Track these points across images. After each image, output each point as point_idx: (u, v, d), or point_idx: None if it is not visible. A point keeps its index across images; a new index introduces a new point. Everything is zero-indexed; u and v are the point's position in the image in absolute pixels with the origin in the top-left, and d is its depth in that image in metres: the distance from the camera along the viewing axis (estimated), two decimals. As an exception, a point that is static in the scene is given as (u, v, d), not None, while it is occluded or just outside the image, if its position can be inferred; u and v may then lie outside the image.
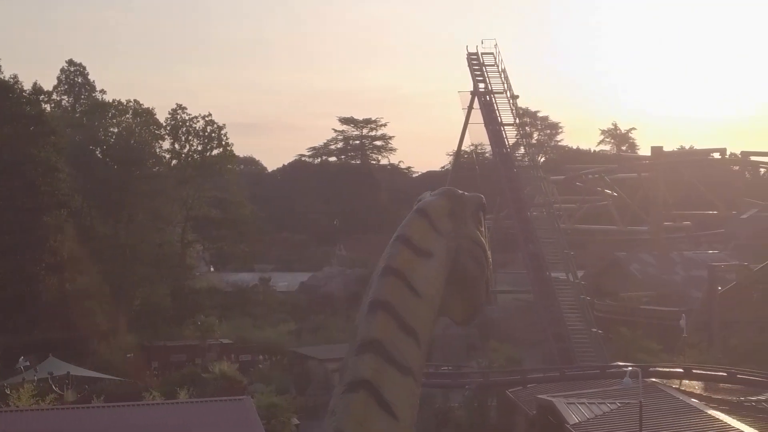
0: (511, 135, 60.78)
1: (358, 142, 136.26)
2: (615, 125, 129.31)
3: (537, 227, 54.02)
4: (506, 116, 61.65)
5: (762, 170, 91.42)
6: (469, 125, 65.17)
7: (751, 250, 65.28)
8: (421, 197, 9.03)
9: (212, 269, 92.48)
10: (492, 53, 66.63)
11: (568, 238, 58.86)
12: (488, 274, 8.88)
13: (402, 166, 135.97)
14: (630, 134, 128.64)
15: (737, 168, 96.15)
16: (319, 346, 59.01)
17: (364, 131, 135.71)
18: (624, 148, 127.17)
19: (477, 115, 63.53)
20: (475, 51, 67.03)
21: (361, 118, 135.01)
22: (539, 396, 36.41)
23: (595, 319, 50.52)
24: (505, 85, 63.87)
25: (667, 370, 36.83)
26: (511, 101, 62.47)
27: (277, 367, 55.57)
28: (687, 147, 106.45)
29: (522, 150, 60.57)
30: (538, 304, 49.92)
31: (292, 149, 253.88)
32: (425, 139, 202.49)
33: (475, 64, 66.07)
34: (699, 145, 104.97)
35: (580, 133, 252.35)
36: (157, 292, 67.50)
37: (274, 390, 47.81)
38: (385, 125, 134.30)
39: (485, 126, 61.62)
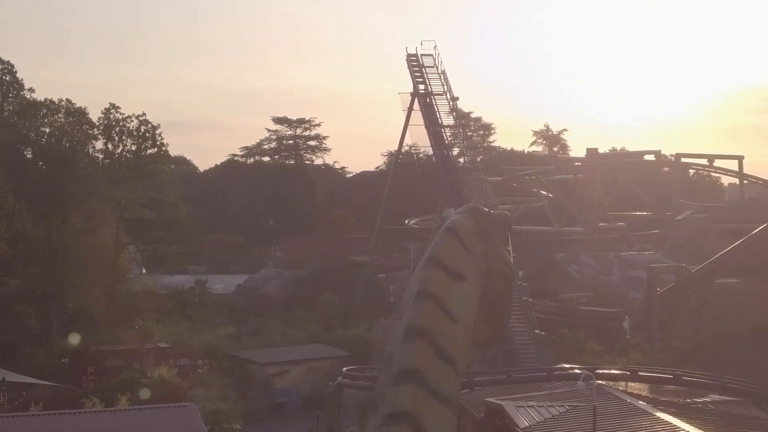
0: (451, 136, 60.78)
1: (291, 142, 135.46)
2: (547, 126, 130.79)
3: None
4: (447, 118, 61.74)
5: (692, 171, 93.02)
6: (409, 126, 65.11)
7: (686, 251, 66.36)
8: (445, 215, 8.76)
9: (144, 271, 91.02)
10: (431, 55, 66.73)
11: (506, 239, 58.84)
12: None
13: (337, 166, 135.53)
14: (562, 135, 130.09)
15: (670, 169, 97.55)
16: (260, 349, 58.44)
17: (298, 131, 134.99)
18: (556, 149, 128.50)
19: (417, 116, 63.51)
20: (414, 52, 67.05)
21: (294, 118, 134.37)
22: (488, 399, 36.29)
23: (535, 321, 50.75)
24: (445, 86, 63.95)
25: (614, 372, 36.98)
26: (451, 103, 62.54)
27: (216, 372, 54.79)
28: (621, 149, 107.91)
29: (462, 152, 60.56)
30: (481, 306, 49.89)
31: (225, 149, 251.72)
32: (359, 139, 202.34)
33: (415, 65, 66.03)
34: (633, 147, 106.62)
35: (513, 135, 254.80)
36: (91, 296, 66.22)
37: (215, 395, 47.25)
38: (319, 125, 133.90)
39: (426, 127, 61.54)
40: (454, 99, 62.70)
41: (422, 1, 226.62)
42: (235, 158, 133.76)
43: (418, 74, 65.47)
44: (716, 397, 35.60)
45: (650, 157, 78.97)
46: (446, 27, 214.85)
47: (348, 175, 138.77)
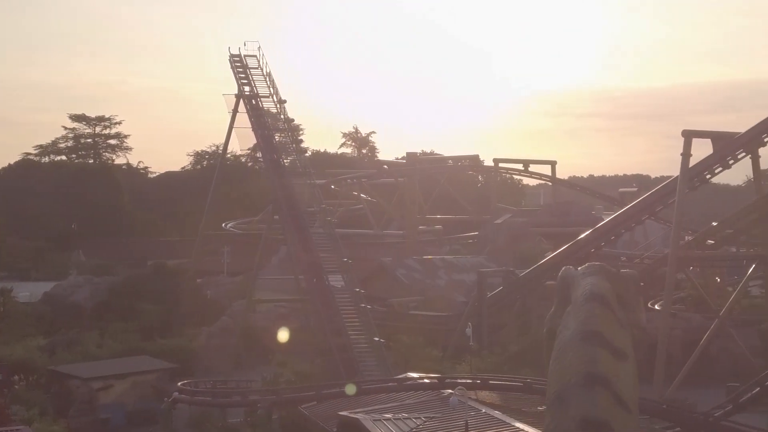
0: (280, 140, 59.59)
1: (90, 140, 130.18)
2: (356, 129, 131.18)
3: (314, 234, 53.18)
4: (274, 121, 60.44)
5: (504, 175, 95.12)
6: (235, 128, 63.43)
7: (505, 254, 67.79)
8: (567, 274, 7.80)
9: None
10: (255, 56, 65.26)
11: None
12: None
13: (140, 166, 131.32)
14: (370, 138, 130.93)
15: (483, 174, 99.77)
16: (80, 363, 55.12)
17: (97, 129, 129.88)
18: (365, 151, 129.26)
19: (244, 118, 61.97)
20: (238, 53, 65.38)
21: (93, 116, 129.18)
22: (341, 413, 35.47)
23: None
24: (272, 89, 62.66)
25: (464, 381, 36.83)
26: (278, 106, 61.32)
27: (34, 388, 51.31)
28: (431, 152, 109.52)
29: (291, 155, 59.45)
30: (320, 314, 48.99)
31: (15, 147, 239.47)
32: (162, 138, 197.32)
33: (239, 66, 64.37)
34: (452, 152, 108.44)
35: (323, 136, 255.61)
36: None
37: (35, 413, 44.32)
38: (119, 123, 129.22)
39: (254, 131, 60.07)
40: (282, 102, 61.53)
41: (235, 3, 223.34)
42: (28, 157, 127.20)
43: (243, 75, 63.85)
44: (566, 403, 36.08)
45: (469, 162, 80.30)
46: (261, 28, 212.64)
47: (151, 176, 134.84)
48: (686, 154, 48.15)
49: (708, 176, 51.41)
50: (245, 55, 65.34)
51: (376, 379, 39.49)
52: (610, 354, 7.23)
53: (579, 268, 7.59)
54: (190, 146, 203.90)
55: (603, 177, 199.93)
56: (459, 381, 36.86)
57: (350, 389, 36.33)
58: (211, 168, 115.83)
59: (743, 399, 35.54)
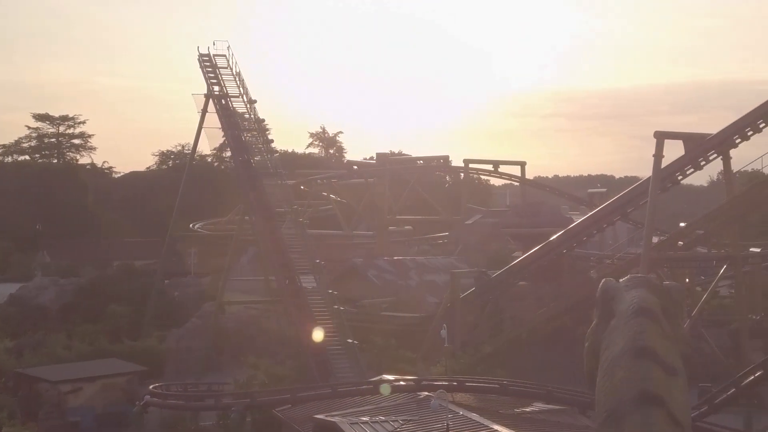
0: (250, 140, 59.14)
1: (54, 140, 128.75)
2: (323, 129, 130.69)
3: (285, 235, 52.85)
4: (245, 121, 59.99)
5: (472, 175, 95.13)
6: (205, 128, 62.84)
7: (476, 255, 67.79)
8: (608, 286, 7.58)
9: None
10: (225, 55, 64.74)
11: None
12: None
13: (105, 166, 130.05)
14: (338, 138, 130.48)
15: (451, 174, 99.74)
16: (48, 366, 54.44)
17: (61, 129, 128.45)
18: (332, 151, 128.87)
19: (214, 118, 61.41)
20: (207, 52, 64.82)
21: (57, 115, 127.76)
22: (316, 416, 35.20)
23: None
24: (241, 89, 62.19)
25: (440, 383, 36.68)
26: (248, 106, 60.87)
27: (1, 391, 50.58)
28: (399, 152, 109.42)
29: (262, 155, 58.99)
30: (292, 316, 48.68)
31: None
32: (127, 138, 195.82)
33: (208, 66, 63.80)
34: (419, 153, 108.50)
35: (290, 136, 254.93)
36: None
37: (4, 417, 43.75)
38: (83, 123, 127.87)
39: (223, 131, 59.56)
40: (252, 102, 61.08)
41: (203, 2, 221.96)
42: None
43: (212, 75, 63.29)
44: (542, 405, 36.07)
45: (439, 163, 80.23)
46: (229, 28, 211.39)
47: (116, 176, 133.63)
48: (658, 156, 48.37)
49: (680, 177, 51.69)
50: (214, 55, 64.80)
51: (352, 382, 39.15)
52: (662, 371, 7.02)
53: (621, 281, 7.40)
54: (155, 146, 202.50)
55: (568, 177, 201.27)
56: (436, 383, 36.74)
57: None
58: (177, 168, 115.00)
59: (718, 400, 35.63)
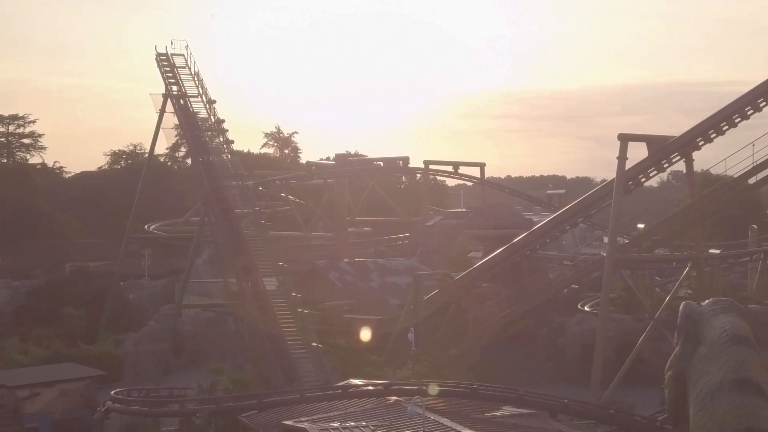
0: (210, 141, 58.34)
1: (3, 139, 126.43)
2: (278, 129, 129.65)
3: (247, 237, 52.15)
4: (204, 122, 59.23)
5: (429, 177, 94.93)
6: (163, 128, 61.96)
7: (437, 257, 67.56)
8: (692, 310, 7.15)
9: None
10: (183, 55, 63.92)
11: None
12: None
13: (56, 166, 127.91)
14: (293, 138, 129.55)
15: (408, 176, 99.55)
16: (4, 371, 53.20)
17: (11, 128, 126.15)
18: (287, 151, 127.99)
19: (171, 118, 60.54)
20: (165, 51, 63.94)
21: (6, 114, 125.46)
22: (285, 422, 34.62)
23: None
24: (200, 89, 61.41)
25: (409, 387, 36.26)
26: (208, 106, 60.10)
27: (-44, 398, 49.24)
28: (355, 153, 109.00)
29: (223, 156, 58.22)
30: (255, 319, 47.98)
31: None
32: (79, 137, 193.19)
33: (166, 65, 62.91)
34: (373, 153, 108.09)
35: (244, 136, 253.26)
36: None
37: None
38: (33, 122, 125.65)
39: (182, 131, 58.68)
40: (211, 102, 60.31)
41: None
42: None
43: (170, 75, 62.40)
44: (513, 410, 35.81)
45: (399, 164, 79.84)
46: (180, 26, 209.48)
47: (67, 176, 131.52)
48: (622, 158, 48.43)
49: (643, 179, 51.86)
50: (172, 54, 63.97)
51: (320, 387, 38.61)
52: (766, 403, 6.61)
53: (704, 304, 7.01)
54: (107, 146, 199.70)
55: (521, 178, 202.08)
56: (405, 388, 36.36)
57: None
58: (129, 168, 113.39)
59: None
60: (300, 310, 48.24)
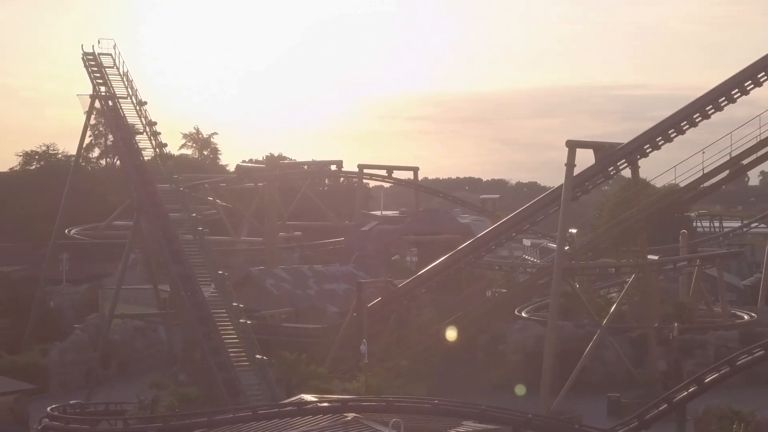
0: (142, 144, 56.22)
1: None
2: (197, 129, 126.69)
3: (184, 244, 50.20)
4: (134, 123, 57.16)
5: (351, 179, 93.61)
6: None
7: (374, 263, 66.36)
8: None
9: None
10: (111, 54, 61.59)
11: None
12: None
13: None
14: (212, 139, 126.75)
15: (336, 179, 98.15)
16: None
17: None
18: (206, 152, 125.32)
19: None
20: (91, 51, 61.49)
21: None
22: (240, 442, 33.07)
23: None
24: (130, 90, 59.19)
25: (370, 404, 34.90)
26: (138, 108, 57.92)
27: None
28: (278, 155, 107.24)
29: (155, 159, 56.11)
30: (196, 331, 46.08)
31: None
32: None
33: (93, 65, 60.49)
34: (289, 155, 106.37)
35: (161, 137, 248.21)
36: None
37: None
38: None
39: (112, 133, 56.42)
40: (142, 103, 58.12)
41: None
42: None
43: (98, 75, 60.02)
44: (475, 425, 34.76)
45: (333, 167, 78.50)
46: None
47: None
48: (570, 164, 47.88)
49: (590, 186, 51.49)
50: (99, 54, 61.54)
51: (273, 404, 36.97)
52: None
53: None
54: (18, 146, 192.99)
55: (437, 180, 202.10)
56: (363, 404, 35.02)
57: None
58: (42, 169, 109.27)
59: (649, 416, 35.06)
60: (242, 321, 46.51)
